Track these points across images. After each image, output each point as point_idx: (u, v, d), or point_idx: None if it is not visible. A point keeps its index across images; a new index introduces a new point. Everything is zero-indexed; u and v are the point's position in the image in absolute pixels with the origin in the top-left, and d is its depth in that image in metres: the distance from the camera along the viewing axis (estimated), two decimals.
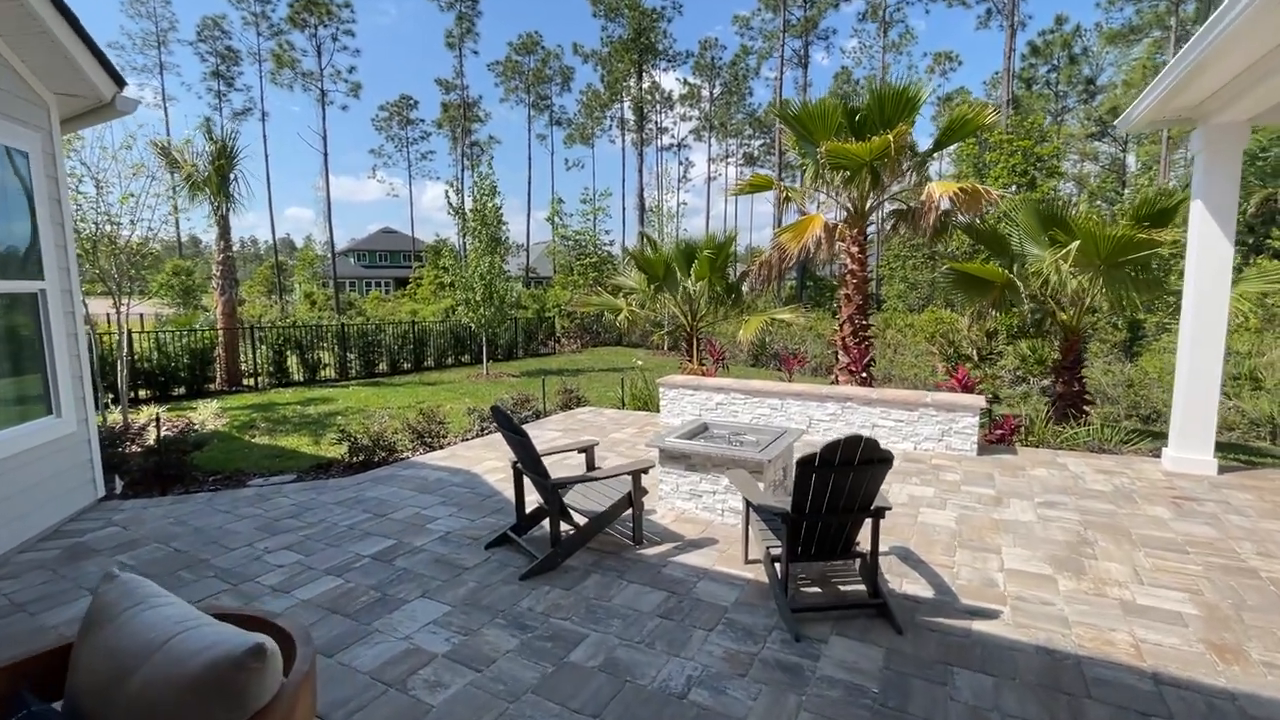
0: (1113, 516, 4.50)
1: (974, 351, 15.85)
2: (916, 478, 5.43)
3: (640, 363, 16.34)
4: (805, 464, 2.94)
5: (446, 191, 16.51)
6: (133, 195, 7.99)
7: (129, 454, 6.11)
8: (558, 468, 5.72)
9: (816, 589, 3.48)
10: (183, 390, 12.34)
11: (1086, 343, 8.00)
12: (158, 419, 6.24)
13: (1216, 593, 3.36)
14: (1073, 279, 6.88)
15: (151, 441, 6.30)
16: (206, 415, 9.60)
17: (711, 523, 4.47)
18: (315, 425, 9.14)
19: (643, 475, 4.02)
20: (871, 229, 9.10)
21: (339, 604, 3.33)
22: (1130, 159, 37.22)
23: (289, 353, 14.38)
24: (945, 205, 8.00)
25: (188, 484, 5.84)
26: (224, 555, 3.98)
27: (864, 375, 8.41)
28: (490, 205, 15.32)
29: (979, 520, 4.47)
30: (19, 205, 4.31)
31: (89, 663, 1.48)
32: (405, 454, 6.70)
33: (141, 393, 11.65)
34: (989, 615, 3.17)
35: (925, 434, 6.36)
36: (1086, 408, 7.54)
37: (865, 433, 6.50)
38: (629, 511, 4.08)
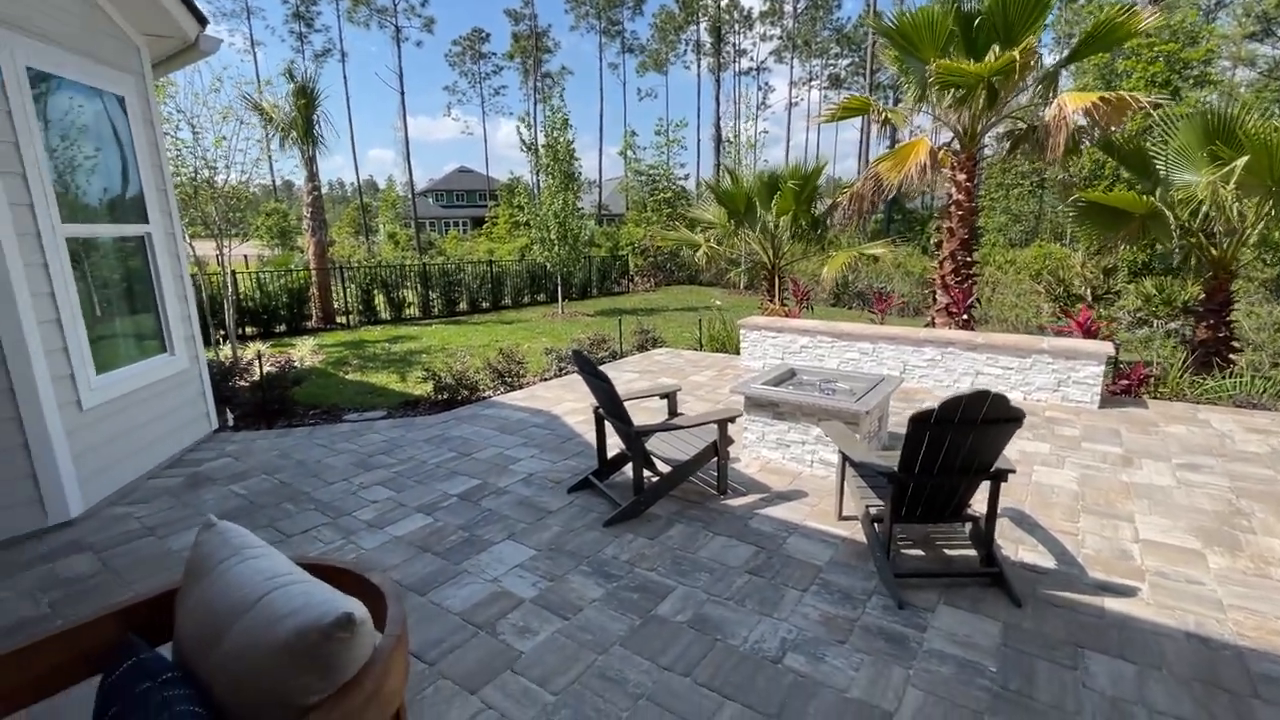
0: (1272, 484, 3.92)
1: (1087, 291, 14.36)
2: (1029, 431, 4.95)
3: (719, 303, 15.91)
4: (920, 421, 2.63)
5: (518, 127, 16.25)
6: (225, 139, 8.24)
7: (238, 388, 6.52)
8: (638, 412, 5.62)
9: (919, 552, 3.23)
10: (283, 328, 13.12)
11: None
12: (260, 356, 6.58)
13: None
14: (1234, 204, 5.87)
15: (257, 377, 6.68)
16: (304, 352, 10.15)
17: (800, 474, 4.25)
18: (401, 363, 9.48)
19: (730, 423, 3.82)
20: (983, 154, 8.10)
21: (429, 542, 3.40)
22: None
23: (376, 292, 14.94)
24: (1080, 121, 6.96)
25: (290, 418, 6.18)
26: (323, 489, 4.16)
27: (965, 318, 7.72)
28: (563, 140, 14.94)
29: (1105, 482, 4.01)
30: (120, 150, 4.44)
31: (190, 613, 1.47)
32: (487, 393, 6.80)
33: (247, 329, 12.49)
34: (1124, 592, 2.82)
35: (1038, 383, 5.77)
36: (1233, 356, 6.62)
37: (967, 381, 5.99)
38: (713, 460, 3.92)
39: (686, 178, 34.55)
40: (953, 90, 7.18)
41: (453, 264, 17.26)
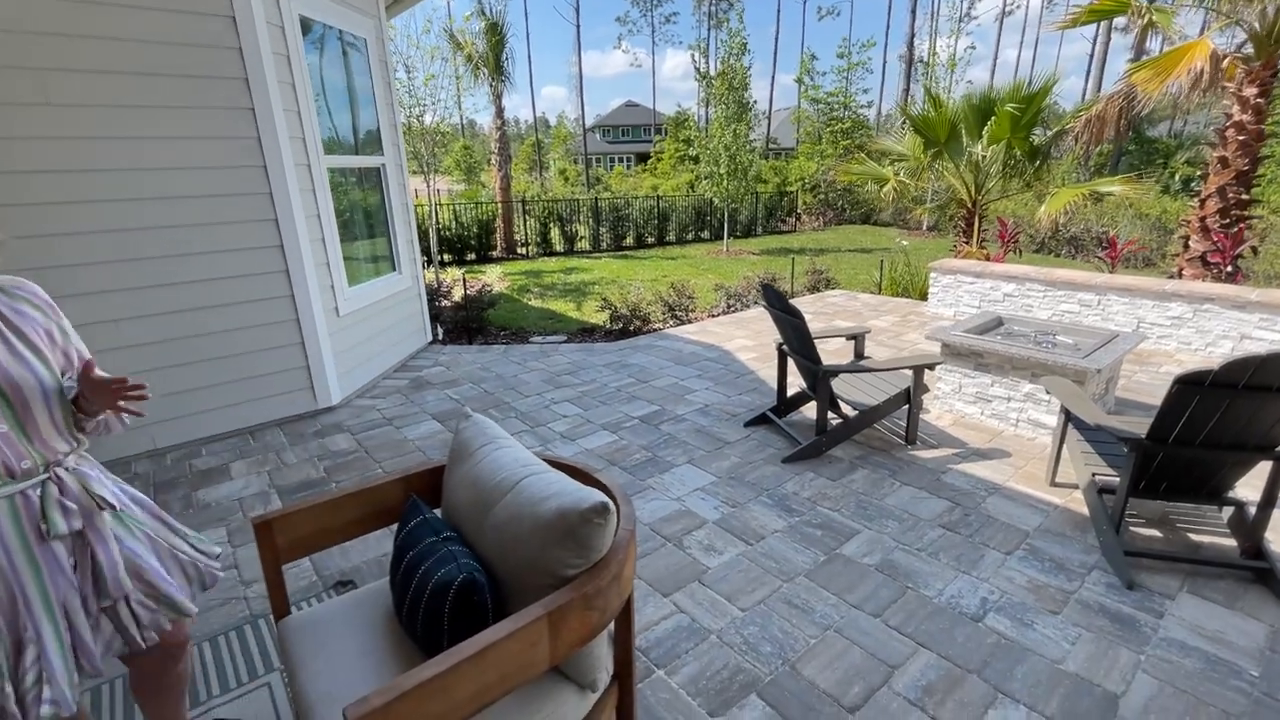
0: None
1: None
2: None
3: (906, 243, 14.66)
4: (1189, 382, 2.23)
5: (692, 54, 15.82)
6: (434, 76, 8.99)
7: (443, 308, 7.36)
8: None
9: (1153, 532, 2.82)
10: (473, 256, 14.47)
11: None
12: (464, 280, 7.33)
13: None
14: None
15: (458, 298, 7.48)
16: (493, 278, 11.14)
17: (1001, 432, 3.87)
18: (576, 292, 10.04)
19: (926, 371, 3.56)
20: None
21: (616, 457, 3.65)
22: None
23: (552, 225, 15.80)
24: None
25: (486, 336, 6.88)
26: (521, 400, 4.61)
27: (1231, 269, 6.33)
28: (739, 66, 14.27)
29: None
30: (364, 88, 5.03)
31: (458, 488, 1.72)
32: (658, 325, 6.99)
33: (445, 256, 13.95)
34: None
35: None
36: None
37: (1227, 346, 5.00)
38: (903, 408, 3.70)
39: (869, 105, 31.44)
40: None
41: (621, 199, 17.63)
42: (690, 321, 7.14)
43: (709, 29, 42.32)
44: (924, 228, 19.66)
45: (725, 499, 3.16)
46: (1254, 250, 6.91)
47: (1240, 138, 6.32)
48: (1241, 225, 6.51)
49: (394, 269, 5.50)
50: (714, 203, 16.51)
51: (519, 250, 15.40)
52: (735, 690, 1.99)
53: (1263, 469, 2.42)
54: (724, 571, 2.59)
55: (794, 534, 2.84)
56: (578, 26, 42.72)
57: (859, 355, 4.08)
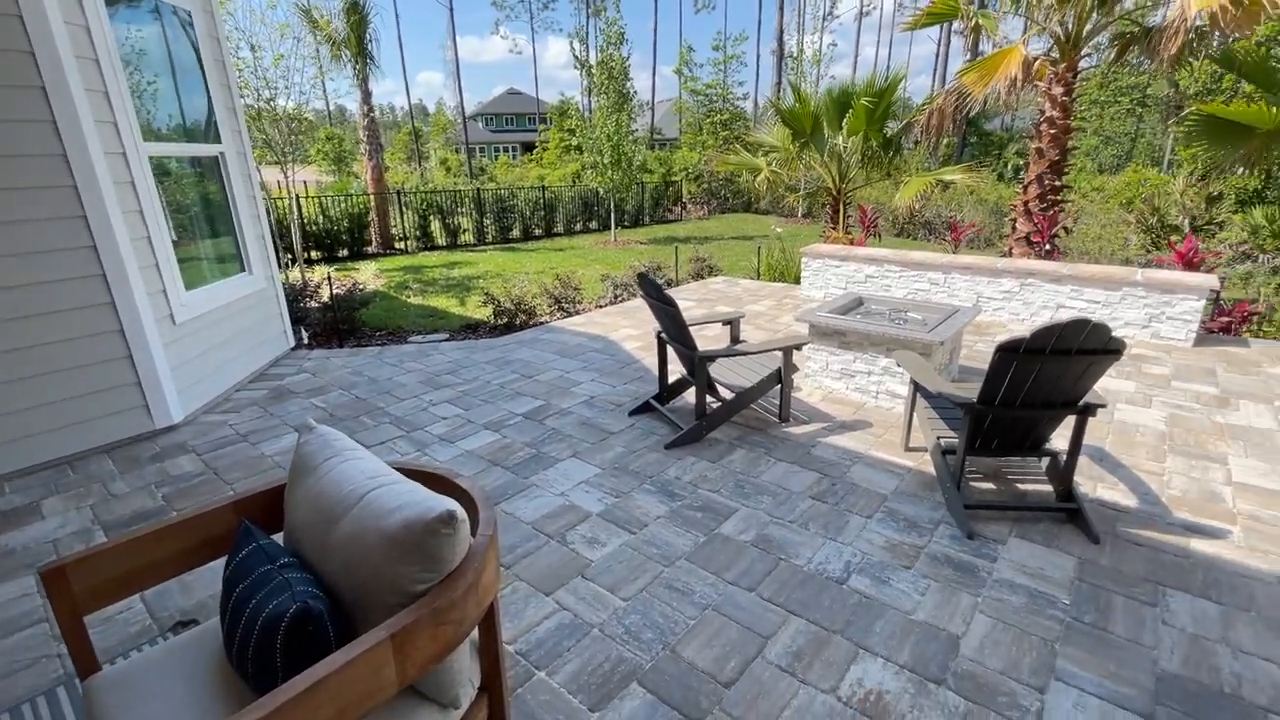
0: None
1: (1185, 221, 13.15)
2: (1113, 368, 4.67)
3: (780, 230, 15.39)
4: (1008, 350, 2.50)
5: (572, 42, 15.57)
6: (283, 57, 8.22)
7: (309, 309, 6.79)
8: (698, 339, 5.58)
9: (990, 485, 3.16)
10: (345, 252, 13.50)
11: None
12: (329, 278, 6.80)
13: None
14: None
15: (326, 299, 6.93)
16: (367, 275, 10.45)
17: (864, 405, 4.17)
18: (459, 288, 9.66)
19: (795, 351, 3.75)
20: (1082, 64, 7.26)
21: (498, 457, 3.54)
22: None
23: (432, 218, 15.08)
24: (1201, 24, 6.14)
25: (358, 338, 6.44)
26: (396, 404, 4.35)
27: (1048, 247, 7.21)
28: (618, 56, 14.29)
29: (1197, 423, 3.78)
30: (190, 68, 4.48)
31: (299, 506, 1.57)
32: (544, 318, 6.88)
33: (312, 254, 12.90)
34: (1213, 534, 2.70)
35: (1127, 318, 5.40)
36: None
37: (1047, 314, 5.67)
38: (776, 388, 3.88)
39: (745, 98, 32.72)
40: None
41: (506, 190, 17.16)
42: (577, 313, 7.09)
43: (588, 17, 42.08)
44: (799, 215, 20.81)
45: (609, 490, 3.16)
46: (1066, 230, 7.92)
47: (1051, 131, 7.20)
48: (1056, 209, 7.44)
49: (243, 269, 4.98)
50: (600, 193, 16.49)
51: (397, 245, 14.57)
52: (616, 682, 1.99)
53: (1071, 422, 2.77)
54: (607, 563, 2.58)
55: (675, 518, 2.89)
56: (451, 9, 40.85)
57: (735, 339, 4.22)
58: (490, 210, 16.09)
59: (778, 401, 3.94)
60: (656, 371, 4.13)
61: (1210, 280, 5.13)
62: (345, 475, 1.53)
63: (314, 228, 12.93)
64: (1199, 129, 6.46)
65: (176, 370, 3.99)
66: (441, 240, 15.16)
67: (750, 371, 3.84)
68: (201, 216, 4.74)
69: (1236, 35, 6.33)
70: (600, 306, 7.39)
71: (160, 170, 4.20)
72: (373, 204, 14.06)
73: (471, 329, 6.86)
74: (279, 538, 1.67)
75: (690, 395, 4.25)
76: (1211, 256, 7.60)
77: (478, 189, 16.83)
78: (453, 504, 1.32)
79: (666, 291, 3.65)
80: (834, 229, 9.53)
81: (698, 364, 3.58)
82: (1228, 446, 3.47)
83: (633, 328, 6.19)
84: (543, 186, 18.35)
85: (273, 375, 5.01)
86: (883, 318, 4.36)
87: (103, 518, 3.01)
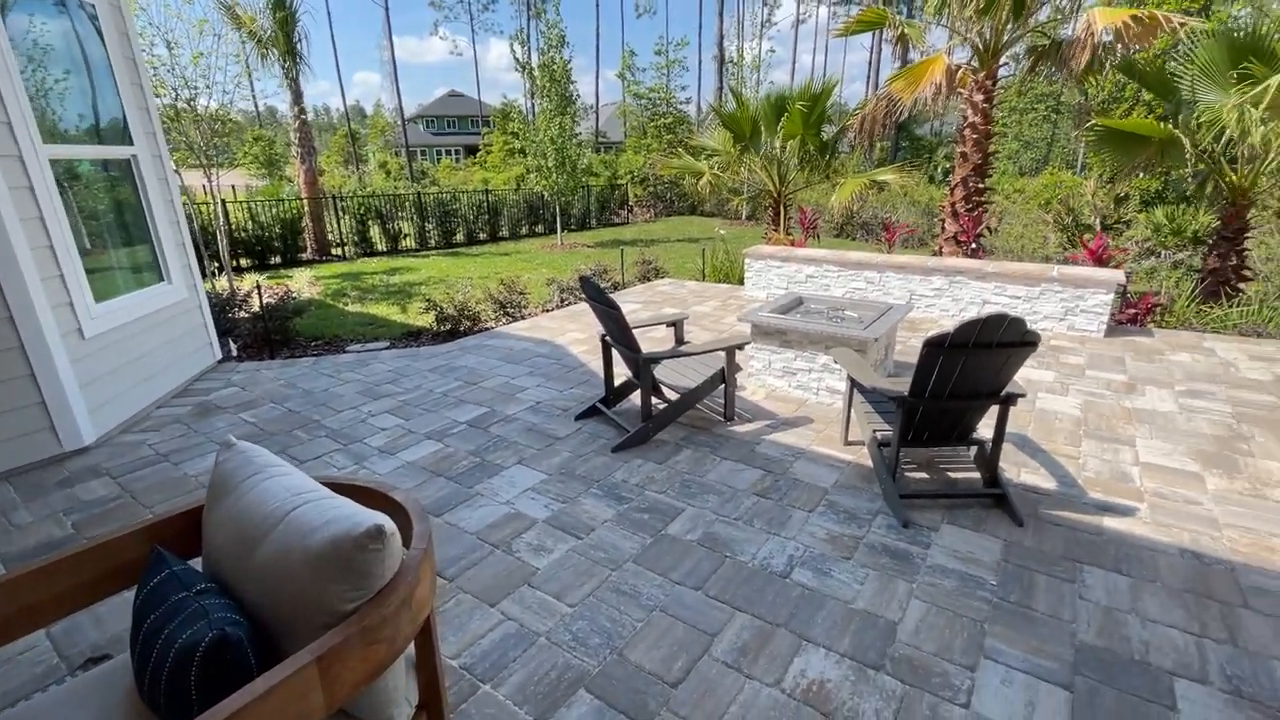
0: (1274, 410, 3.96)
1: (1097, 220, 14.08)
2: (1034, 360, 4.96)
3: (723, 232, 15.61)
4: (934, 344, 2.61)
5: (512, 44, 15.40)
6: (203, 54, 7.80)
7: (238, 319, 6.47)
8: (643, 341, 5.60)
9: (923, 475, 3.29)
10: (278, 260, 12.92)
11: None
12: (259, 287, 6.50)
13: None
14: (1261, 127, 5.65)
15: (256, 308, 6.62)
16: (302, 283, 10.03)
17: (806, 401, 4.28)
18: (401, 294, 9.39)
19: (737, 351, 3.81)
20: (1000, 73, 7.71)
21: (441, 467, 3.45)
22: None
23: (371, 223, 14.61)
24: (1107, 39, 6.60)
25: (292, 349, 6.17)
26: (333, 417, 4.19)
27: (974, 246, 7.59)
28: (559, 59, 14.21)
29: (1108, 408, 4.05)
30: (98, 66, 4.19)
31: (219, 528, 1.49)
32: (489, 324, 6.77)
33: (242, 261, 12.30)
34: (1123, 512, 2.89)
35: (1045, 312, 5.74)
36: (1242, 285, 6.56)
37: (974, 309, 5.96)
38: (720, 388, 3.93)
39: (688, 102, 33.14)
40: None
41: (448, 194, 16.80)
42: (523, 318, 7.00)
43: (529, 19, 41.74)
44: (743, 217, 21.20)
45: (556, 495, 3.13)
46: (989, 230, 8.34)
47: (974, 136, 7.59)
48: (980, 209, 7.84)
49: (162, 279, 4.70)
50: (545, 196, 16.36)
51: (334, 251, 14.06)
52: (564, 690, 1.97)
53: (995, 411, 2.92)
54: (554, 570, 2.56)
55: (623, 521, 2.89)
56: (386, 9, 39.78)
57: (679, 340, 4.26)
58: (432, 214, 15.72)
59: (722, 401, 4.00)
60: (603, 375, 4.12)
61: (1117, 275, 5.51)
62: (268, 493, 1.46)
63: (243, 234, 12.33)
64: (1102, 138, 6.94)
65: (87, 388, 3.73)
66: (382, 246, 14.71)
67: (695, 372, 3.88)
68: (115, 224, 4.45)
69: (1138, 48, 6.84)
70: (546, 311, 7.33)
71: (68, 174, 3.93)
72: (307, 209, 13.51)
73: (413, 336, 6.68)
74: (199, 563, 1.59)
75: (637, 398, 4.26)
76: (1119, 253, 8.17)
77: (419, 193, 16.41)
78: (382, 518, 1.28)
79: (609, 294, 3.65)
80: (775, 230, 9.75)
81: (642, 366, 3.60)
82: (1135, 429, 3.74)
83: (579, 331, 6.17)
84: (486, 190, 18.06)
85: (198, 390, 4.74)
86: (821, 316, 4.49)
87: (2, 550, 2.77)
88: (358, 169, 39.86)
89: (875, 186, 9.84)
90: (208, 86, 8.22)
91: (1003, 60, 7.67)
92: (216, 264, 9.88)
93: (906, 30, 7.98)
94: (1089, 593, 2.37)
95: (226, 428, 4.03)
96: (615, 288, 8.57)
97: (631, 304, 7.38)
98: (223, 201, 10.56)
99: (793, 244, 8.43)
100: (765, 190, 10.37)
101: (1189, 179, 7.30)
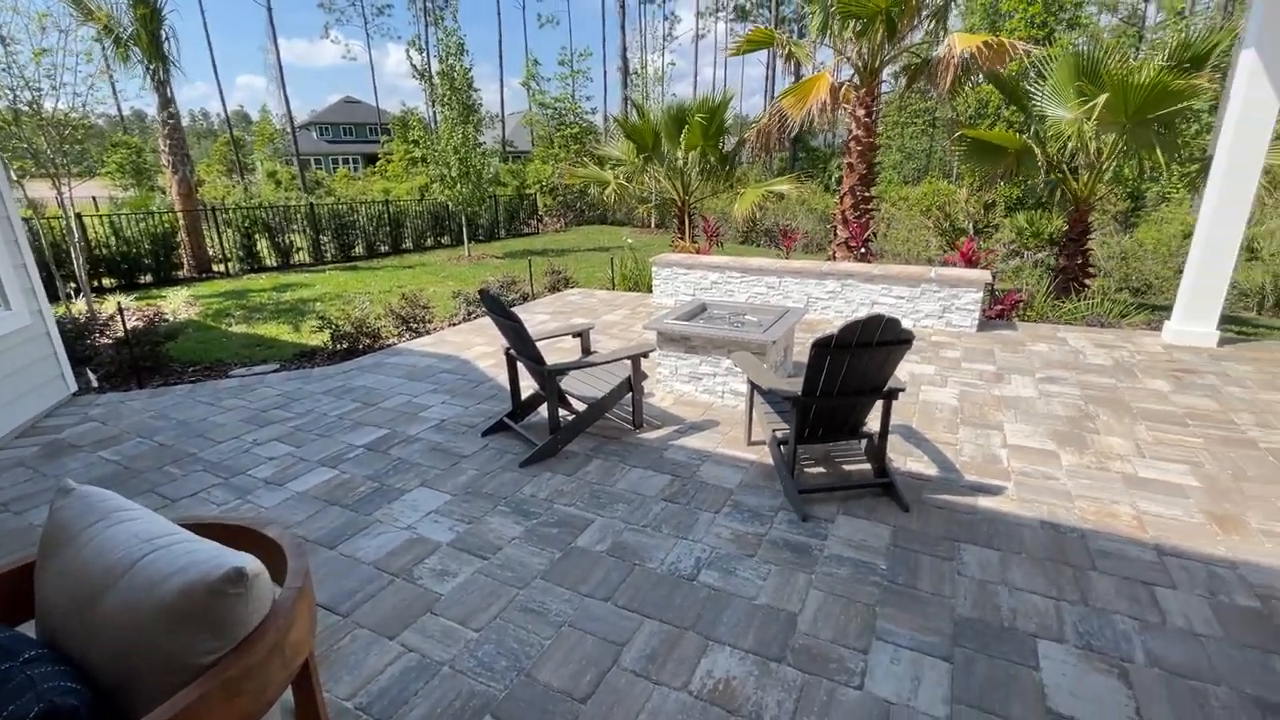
0: (1114, 391, 4.48)
1: (970, 224, 15.45)
2: (917, 355, 5.35)
3: (631, 241, 15.80)
4: (821, 345, 2.76)
5: (408, 51, 14.89)
6: (46, 52, 6.99)
7: (99, 346, 5.82)
8: (551, 352, 5.56)
9: (821, 469, 3.46)
10: (149, 278, 11.77)
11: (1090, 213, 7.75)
12: (121, 308, 5.88)
13: (1216, 464, 3.39)
14: (1094, 139, 6.41)
15: (121, 333, 5.98)
16: (177, 304, 9.18)
17: (712, 405, 4.39)
18: (293, 312, 8.81)
19: (642, 359, 3.86)
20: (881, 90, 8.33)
21: (336, 495, 3.26)
22: (1151, 8, 34.44)
23: (258, 236, 13.61)
24: (965, 59, 7.26)
25: (166, 376, 5.63)
26: (212, 448, 3.86)
27: (864, 251, 8.11)
28: (460, 67, 13.89)
29: (980, 397, 4.43)
30: None
31: (53, 585, 1.32)
32: (391, 340, 6.48)
33: (106, 281, 11.10)
34: (993, 491, 3.17)
35: (926, 310, 6.21)
36: (1087, 281, 7.40)
37: (864, 310, 6.35)
38: (628, 396, 3.97)
39: (594, 112, 33.35)
40: (853, 21, 7.25)
41: (346, 205, 15.96)
42: (428, 333, 6.76)
43: (426, 25, 40.56)
44: (652, 225, 21.55)
45: (461, 516, 3.03)
46: (875, 235, 8.94)
47: (858, 148, 8.12)
48: (868, 216, 8.39)
49: None
50: (450, 207, 15.90)
51: (216, 268, 12.97)
52: (469, 719, 1.90)
53: (880, 405, 3.11)
54: (458, 594, 2.47)
55: (531, 538, 2.84)
56: (269, 8, 37.37)
57: (585, 350, 4.25)
58: (328, 227, 14.87)
59: (631, 409, 4.03)
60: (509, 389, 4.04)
61: (985, 275, 6.06)
62: (113, 541, 1.32)
63: (105, 251, 11.11)
64: (969, 149, 7.63)
65: None
66: (271, 261, 13.73)
67: (602, 382, 3.89)
68: None
69: (992, 70, 7.58)
70: (453, 325, 7.11)
71: None
72: (182, 222, 12.39)
73: (307, 357, 6.27)
74: (31, 626, 1.40)
75: (545, 410, 4.21)
76: (988, 255, 8.99)
77: (312, 204, 15.47)
78: (243, 559, 1.19)
79: (510, 307, 3.59)
80: (681, 239, 9.99)
81: (547, 378, 3.56)
82: (1003, 415, 4.11)
83: (487, 345, 6.03)
84: (387, 201, 17.31)
85: (48, 428, 4.22)
86: (723, 321, 4.63)
87: None
88: (243, 178, 37.07)
89: (774, 196, 10.31)
90: (54, 88, 7.37)
91: (882, 78, 8.28)
92: (73, 285, 8.85)
93: (794, 50, 8.44)
94: (965, 569, 2.57)
95: (82, 469, 3.61)
96: (525, 299, 8.46)
97: (541, 314, 7.30)
98: (78, 215, 9.50)
99: (698, 251, 8.66)
100: (670, 199, 10.61)
101: (1042, 186, 8.15)
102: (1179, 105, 5.94)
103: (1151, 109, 6.06)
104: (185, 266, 12.50)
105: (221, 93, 69.39)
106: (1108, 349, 5.47)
